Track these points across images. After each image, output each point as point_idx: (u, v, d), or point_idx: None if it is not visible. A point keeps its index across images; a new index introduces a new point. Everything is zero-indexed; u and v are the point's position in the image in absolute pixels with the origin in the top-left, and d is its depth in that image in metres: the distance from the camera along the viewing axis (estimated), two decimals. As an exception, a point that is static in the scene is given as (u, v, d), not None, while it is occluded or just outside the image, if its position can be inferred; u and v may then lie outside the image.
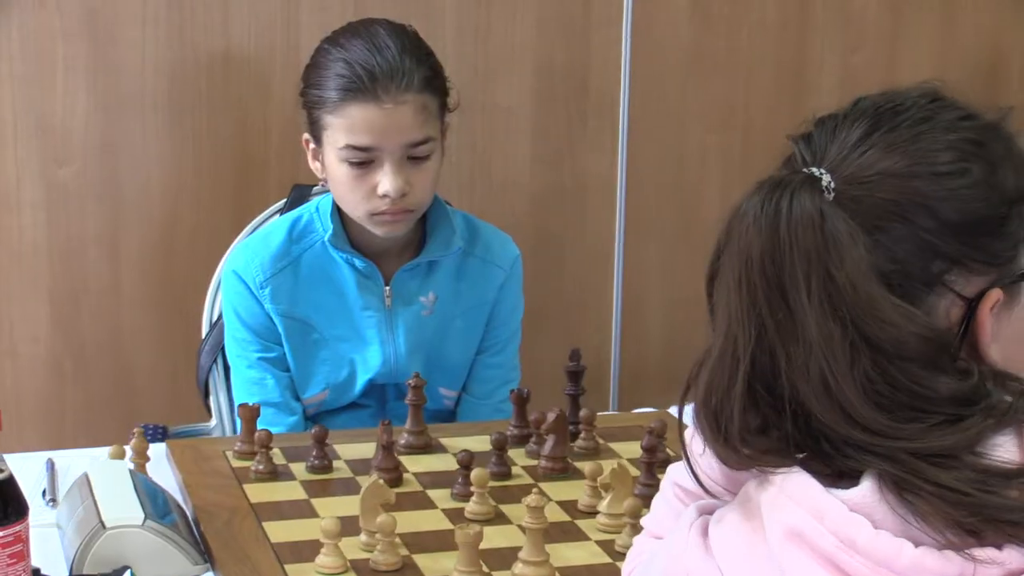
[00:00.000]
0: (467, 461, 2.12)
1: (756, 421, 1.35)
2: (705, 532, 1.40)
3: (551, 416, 2.22)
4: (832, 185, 1.33)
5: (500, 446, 2.20)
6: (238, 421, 2.69)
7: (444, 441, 2.34)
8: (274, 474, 2.20)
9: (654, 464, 2.13)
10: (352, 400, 2.69)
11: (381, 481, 1.97)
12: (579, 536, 2.01)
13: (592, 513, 2.07)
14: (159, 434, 2.87)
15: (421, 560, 1.92)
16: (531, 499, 1.86)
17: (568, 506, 2.11)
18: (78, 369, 3.38)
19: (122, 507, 1.95)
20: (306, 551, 1.94)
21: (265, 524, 2.03)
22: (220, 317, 2.87)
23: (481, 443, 2.33)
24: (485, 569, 1.85)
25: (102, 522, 1.91)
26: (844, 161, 1.36)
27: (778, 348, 1.31)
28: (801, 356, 1.30)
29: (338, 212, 2.60)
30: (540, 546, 1.87)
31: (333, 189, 2.57)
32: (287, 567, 1.90)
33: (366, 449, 2.28)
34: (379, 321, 2.63)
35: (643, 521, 1.65)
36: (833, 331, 1.30)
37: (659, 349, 3.71)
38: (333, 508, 2.08)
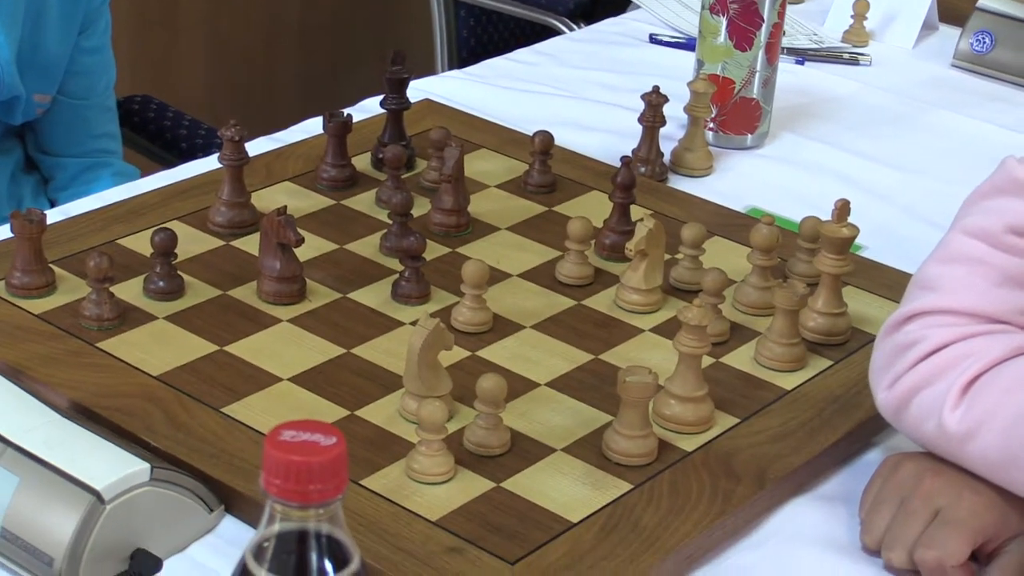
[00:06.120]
0: (417, 249, 1.50)
1: None
2: None
3: (451, 157, 1.61)
4: None
5: (397, 161, 1.57)
6: None
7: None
8: (123, 317, 1.45)
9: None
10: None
11: (440, 323, 1.33)
12: (619, 328, 1.51)
13: (579, 286, 1.56)
14: None
15: (517, 422, 1.35)
16: (692, 314, 1.34)
17: (536, 276, 1.58)
18: None
19: (98, 456, 1.20)
20: (357, 447, 1.30)
21: (226, 410, 1.33)
22: None
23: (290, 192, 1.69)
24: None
25: (95, 492, 1.16)
26: None
27: None
28: None
29: None
30: (699, 376, 1.37)
31: None
32: (365, 483, 1.26)
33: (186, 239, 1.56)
34: (-34, 18, 1.82)
35: (933, 302, 1.25)
36: None
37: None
38: (278, 355, 1.42)
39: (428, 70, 2.56)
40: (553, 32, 2.73)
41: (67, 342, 1.40)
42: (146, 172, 1.81)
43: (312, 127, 1.85)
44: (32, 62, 1.92)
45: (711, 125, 1.93)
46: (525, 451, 1.32)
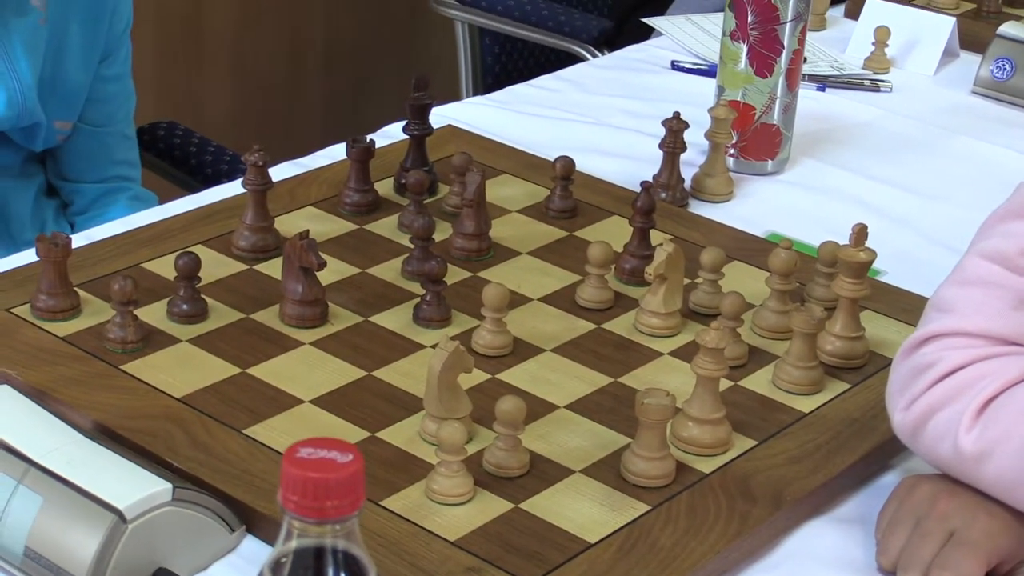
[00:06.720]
0: (438, 273, 1.52)
1: None
2: None
3: (472, 182, 1.63)
4: None
5: (419, 187, 1.59)
6: None
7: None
8: (147, 340, 1.46)
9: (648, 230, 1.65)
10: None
11: (460, 345, 1.35)
12: (638, 351, 1.52)
13: (599, 310, 1.57)
14: None
15: (536, 444, 1.36)
16: (710, 337, 1.35)
17: (556, 300, 1.59)
18: None
19: (120, 476, 1.21)
20: (378, 469, 1.31)
21: (248, 432, 1.35)
22: None
23: (311, 218, 1.71)
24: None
25: (117, 512, 1.17)
26: None
27: None
28: None
29: None
30: (716, 398, 1.38)
31: None
32: (386, 503, 1.28)
33: (209, 263, 1.57)
34: (-11, 46, 1.85)
35: (949, 324, 1.25)
36: None
37: None
38: (300, 377, 1.44)
39: (453, 96, 2.58)
40: (578, 60, 2.75)
41: (91, 364, 1.42)
42: (171, 197, 1.82)
43: (335, 152, 1.87)
44: (53, 89, 1.94)
45: (731, 151, 1.94)
46: (544, 472, 1.33)
